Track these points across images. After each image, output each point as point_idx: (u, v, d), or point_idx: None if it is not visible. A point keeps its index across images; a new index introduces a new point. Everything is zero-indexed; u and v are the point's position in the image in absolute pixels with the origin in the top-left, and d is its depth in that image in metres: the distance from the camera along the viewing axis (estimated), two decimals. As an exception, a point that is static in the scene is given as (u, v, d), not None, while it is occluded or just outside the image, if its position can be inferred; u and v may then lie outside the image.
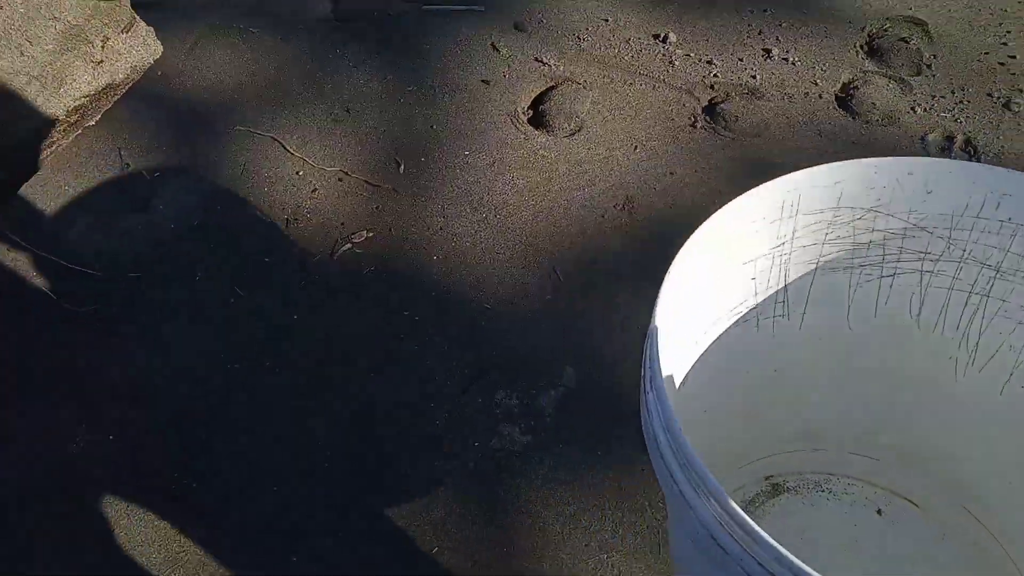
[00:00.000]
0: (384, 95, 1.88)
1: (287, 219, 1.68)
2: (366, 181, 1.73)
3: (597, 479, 1.32)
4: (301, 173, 1.75)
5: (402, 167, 1.75)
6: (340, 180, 1.74)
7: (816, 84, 1.84)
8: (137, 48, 1.19)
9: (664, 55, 1.92)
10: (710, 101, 1.84)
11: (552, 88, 1.87)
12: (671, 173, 1.71)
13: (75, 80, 1.14)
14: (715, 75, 1.87)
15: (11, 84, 1.09)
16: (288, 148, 1.79)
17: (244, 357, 1.49)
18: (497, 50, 1.95)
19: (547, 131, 1.80)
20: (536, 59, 1.93)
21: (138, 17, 1.18)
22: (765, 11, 2.00)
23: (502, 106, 1.85)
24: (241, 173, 1.76)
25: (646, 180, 1.71)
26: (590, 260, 1.60)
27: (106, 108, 1.22)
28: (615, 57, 1.92)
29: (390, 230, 1.66)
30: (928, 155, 1.71)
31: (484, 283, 1.57)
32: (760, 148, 1.74)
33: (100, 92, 1.17)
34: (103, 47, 1.14)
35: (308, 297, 1.56)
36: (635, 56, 1.92)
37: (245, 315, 1.54)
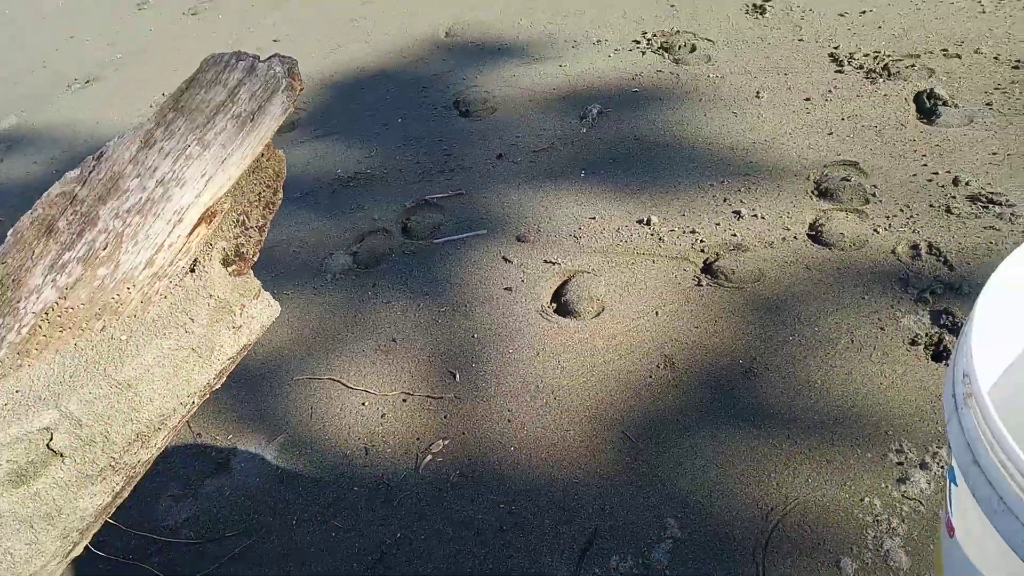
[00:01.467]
0: (423, 319, 2.08)
1: (364, 447, 1.79)
2: (428, 396, 1.88)
3: (734, 615, 1.37)
4: (366, 403, 1.89)
5: (458, 376, 1.91)
6: (404, 401, 1.88)
7: (788, 229, 2.14)
8: (264, 310, 1.37)
9: (652, 235, 2.21)
10: (704, 262, 2.10)
11: (567, 281, 2.11)
12: (695, 327, 1.92)
13: (222, 346, 1.29)
14: (701, 241, 2.16)
15: (176, 359, 1.24)
16: (348, 384, 1.94)
17: (361, 584, 1.53)
18: (509, 261, 2.21)
19: (575, 317, 2.01)
20: (545, 261, 2.19)
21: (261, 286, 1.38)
22: (722, 182, 2.34)
23: (528, 305, 2.06)
24: (310, 417, 1.88)
25: (676, 338, 1.90)
26: (653, 417, 1.74)
27: (234, 368, 1.36)
28: (612, 245, 2.20)
29: (463, 434, 1.78)
30: (902, 263, 1.97)
31: (564, 460, 1.68)
32: (763, 290, 1.97)
33: (238, 353, 1.33)
34: (241, 314, 1.31)
35: (405, 512, 1.64)
36: (628, 241, 2.20)
37: (350, 547, 1.60)
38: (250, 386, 1.97)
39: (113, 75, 3.75)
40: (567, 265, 2.16)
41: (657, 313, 1.97)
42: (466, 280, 2.18)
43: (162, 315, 1.25)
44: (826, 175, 2.29)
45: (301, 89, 1.33)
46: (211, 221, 1.30)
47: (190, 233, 1.27)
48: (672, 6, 3.37)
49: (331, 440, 1.82)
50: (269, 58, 1.32)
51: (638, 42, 3.15)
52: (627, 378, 1.83)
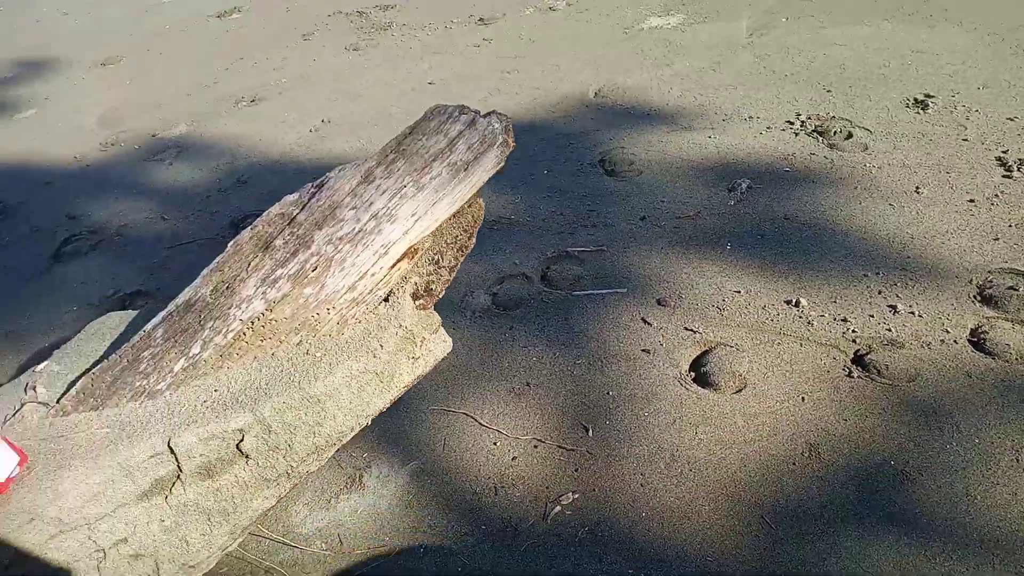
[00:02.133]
0: (558, 369, 2.10)
1: (494, 487, 1.80)
2: (560, 446, 1.88)
3: None
4: (498, 443, 1.90)
5: (590, 431, 1.90)
6: (536, 447, 1.88)
7: (947, 332, 2.05)
8: (440, 344, 1.42)
9: (800, 317, 2.16)
10: (855, 353, 2.04)
11: (707, 352, 2.09)
12: (844, 420, 1.85)
13: (401, 375, 1.35)
14: (853, 331, 2.10)
15: (361, 381, 1.30)
16: (481, 422, 1.96)
17: (483, 626, 1.52)
18: (648, 323, 2.21)
19: (714, 389, 1.98)
20: (685, 328, 2.17)
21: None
22: (877, 273, 2.28)
23: (666, 370, 2.05)
24: (442, 448, 1.91)
25: (822, 428, 1.84)
26: (795, 507, 1.68)
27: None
28: (757, 322, 2.16)
29: (594, 490, 1.76)
30: (1076, 386, 1.85)
31: (698, 536, 1.64)
32: (918, 391, 1.89)
33: (412, 382, 1.38)
34: (421, 346, 1.37)
35: (532, 561, 1.63)
36: (774, 320, 2.17)
37: (475, 583, 1.60)
38: (388, 410, 2.02)
39: (277, 98, 4.02)
40: (708, 336, 2.14)
41: (803, 399, 1.92)
42: (603, 336, 2.18)
43: (355, 338, 1.31)
44: (991, 281, 2.20)
45: (513, 146, 1.39)
46: (413, 257, 1.37)
47: (392, 266, 1.34)
48: (828, 91, 3.35)
49: (461, 474, 1.84)
50: (488, 114, 1.39)
51: (791, 123, 3.14)
52: (768, 461, 1.78)
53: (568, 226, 2.68)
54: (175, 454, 1.21)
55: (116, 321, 1.52)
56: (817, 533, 1.62)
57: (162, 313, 1.32)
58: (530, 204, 2.84)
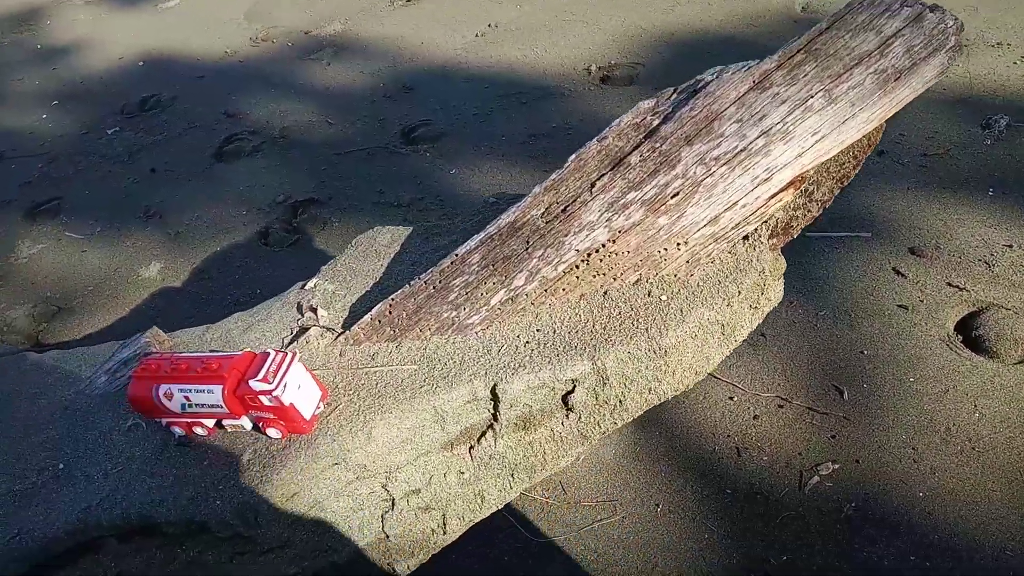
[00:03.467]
0: (797, 319, 1.93)
1: (736, 447, 1.67)
2: (810, 408, 1.73)
3: None
4: (735, 399, 1.77)
5: (845, 394, 1.74)
6: (780, 407, 1.74)
7: None
8: (776, 293, 1.27)
9: (1091, 281, 1.91)
10: None
11: (978, 313, 1.87)
12: None
13: (742, 326, 1.21)
14: None
15: (707, 332, 1.16)
16: (713, 373, 1.83)
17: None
18: (902, 275, 2.00)
19: (991, 357, 1.78)
20: (948, 284, 1.95)
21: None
22: None
23: (929, 331, 1.85)
24: (673, 399, 1.79)
25: None
26: (1113, 505, 1.48)
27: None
28: (1037, 283, 1.93)
29: (857, 462, 1.61)
30: None
31: (992, 527, 1.48)
32: None
33: (746, 337, 1.24)
34: (763, 293, 1.22)
35: (791, 535, 1.50)
36: (1058, 282, 1.92)
37: (727, 555, 1.49)
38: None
39: (437, -3, 3.86)
40: (978, 294, 1.92)
41: (1108, 378, 1.70)
42: (849, 286, 1.99)
43: (709, 282, 1.16)
44: None
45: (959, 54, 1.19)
46: (799, 186, 1.19)
47: (773, 196, 1.16)
48: (1097, 15, 2.94)
49: (694, 428, 1.72)
50: (935, 8, 1.17)
51: (1052, 51, 2.78)
52: (1072, 448, 1.58)
53: (788, 157, 2.46)
54: (497, 401, 1.11)
55: (388, 238, 1.43)
56: None
57: (479, 236, 1.20)
58: (740, 129, 2.62)
